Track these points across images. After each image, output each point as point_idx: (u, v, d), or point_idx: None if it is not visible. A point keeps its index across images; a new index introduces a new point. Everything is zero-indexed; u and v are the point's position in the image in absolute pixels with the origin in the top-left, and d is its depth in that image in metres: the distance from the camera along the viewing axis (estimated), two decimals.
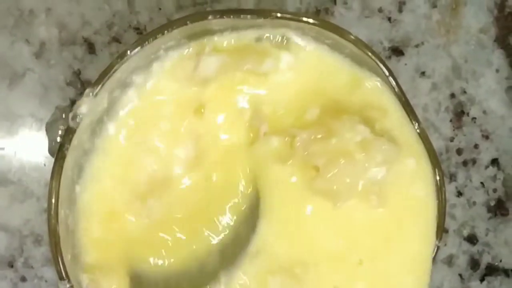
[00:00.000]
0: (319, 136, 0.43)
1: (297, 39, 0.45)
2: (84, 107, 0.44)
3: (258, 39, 0.45)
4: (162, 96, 0.44)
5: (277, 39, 0.45)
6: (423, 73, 0.56)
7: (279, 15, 0.45)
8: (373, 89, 0.45)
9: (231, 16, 0.45)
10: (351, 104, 0.45)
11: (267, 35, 0.45)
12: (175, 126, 0.44)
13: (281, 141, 0.43)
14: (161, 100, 0.44)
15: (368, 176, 0.43)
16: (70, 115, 0.44)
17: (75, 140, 0.44)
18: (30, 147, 0.52)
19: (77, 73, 0.52)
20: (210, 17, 0.44)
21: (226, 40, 0.45)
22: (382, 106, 0.46)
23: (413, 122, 0.46)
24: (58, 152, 0.43)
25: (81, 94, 0.50)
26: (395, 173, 0.44)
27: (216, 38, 0.45)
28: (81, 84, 0.52)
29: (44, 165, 0.52)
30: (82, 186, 0.44)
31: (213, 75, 0.44)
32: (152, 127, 0.44)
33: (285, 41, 0.45)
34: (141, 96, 0.44)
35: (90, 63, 0.52)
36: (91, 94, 0.43)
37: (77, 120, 0.44)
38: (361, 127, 0.43)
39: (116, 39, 0.53)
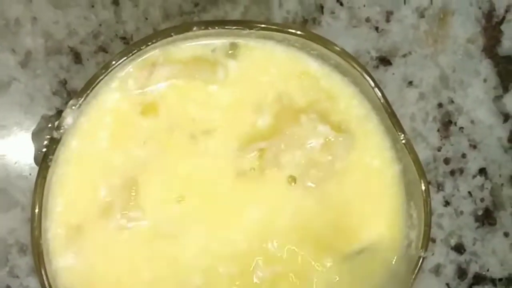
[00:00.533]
0: (283, 146, 0.44)
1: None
2: (68, 118, 0.44)
3: (213, 50, 0.46)
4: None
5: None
6: (410, 83, 0.56)
7: (263, 26, 0.45)
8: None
9: (216, 28, 0.45)
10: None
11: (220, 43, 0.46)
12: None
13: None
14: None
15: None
16: (55, 125, 0.44)
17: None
18: (15, 156, 0.52)
19: (63, 83, 0.52)
20: (194, 28, 0.44)
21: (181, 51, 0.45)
22: (331, 95, 0.47)
23: (399, 133, 0.47)
24: (42, 163, 0.43)
25: (67, 103, 0.50)
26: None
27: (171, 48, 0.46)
28: (67, 94, 0.52)
29: (30, 174, 0.52)
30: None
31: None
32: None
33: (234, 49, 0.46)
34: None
35: (76, 72, 0.52)
36: (74, 105, 0.43)
37: (61, 131, 0.43)
38: (322, 128, 0.45)
39: (103, 49, 0.53)
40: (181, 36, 0.43)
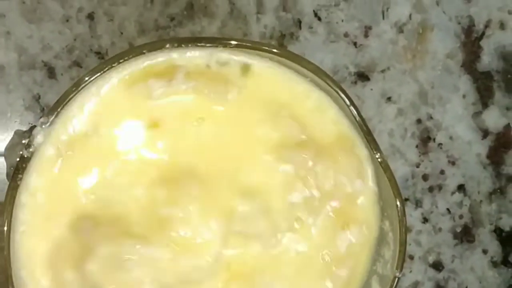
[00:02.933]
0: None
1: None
2: (39, 136, 0.43)
3: (224, 64, 0.45)
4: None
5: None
6: (389, 99, 0.56)
7: (237, 43, 0.45)
8: None
9: (189, 45, 0.44)
10: None
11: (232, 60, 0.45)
12: None
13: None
14: None
15: None
16: (25, 144, 0.43)
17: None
18: None
19: (37, 98, 0.52)
20: (167, 45, 0.44)
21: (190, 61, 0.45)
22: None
23: (374, 152, 0.46)
24: (11, 182, 0.42)
25: (41, 117, 0.49)
26: None
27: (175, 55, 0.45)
28: (40, 109, 0.52)
29: (2, 191, 0.51)
30: None
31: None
32: None
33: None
34: None
35: (50, 87, 0.52)
36: (45, 124, 0.43)
37: (31, 149, 0.43)
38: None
39: (77, 63, 0.52)
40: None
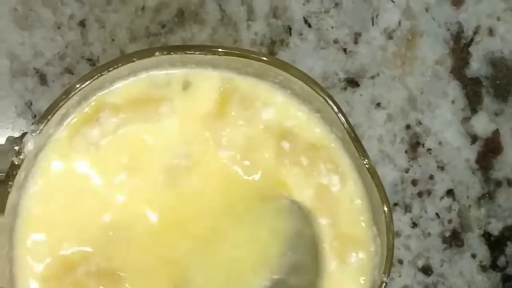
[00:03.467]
0: None
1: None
2: (29, 144, 0.43)
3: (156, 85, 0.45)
4: None
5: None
6: (378, 104, 0.56)
7: (225, 51, 0.45)
8: None
9: (178, 53, 0.45)
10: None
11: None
12: None
13: None
14: None
15: None
16: (15, 151, 0.43)
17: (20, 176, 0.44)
18: None
19: (29, 104, 0.52)
20: (157, 53, 0.44)
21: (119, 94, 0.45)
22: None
23: (362, 158, 0.46)
24: (1, 188, 0.43)
25: (32, 124, 0.50)
26: None
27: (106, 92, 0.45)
28: (32, 116, 0.52)
29: None
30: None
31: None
32: None
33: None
34: None
35: (41, 94, 0.52)
36: (35, 131, 0.43)
37: (22, 156, 0.43)
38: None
39: (69, 70, 0.53)
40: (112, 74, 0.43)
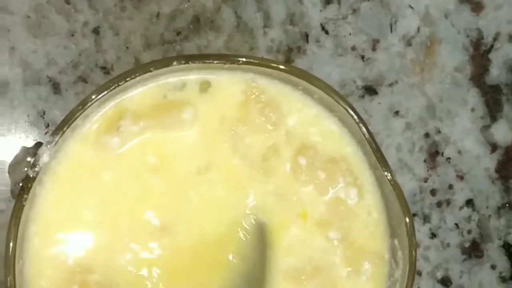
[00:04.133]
0: None
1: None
2: (44, 156, 0.42)
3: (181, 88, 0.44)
4: None
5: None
6: (396, 113, 0.55)
7: (245, 60, 0.44)
8: None
9: (196, 62, 0.44)
10: None
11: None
12: None
13: None
14: None
15: None
16: (31, 162, 0.42)
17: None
18: None
19: (42, 114, 0.51)
20: (174, 63, 0.43)
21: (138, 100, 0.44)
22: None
23: (384, 170, 0.45)
24: (16, 202, 0.42)
25: (46, 134, 0.49)
26: None
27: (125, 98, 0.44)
28: (45, 125, 0.51)
29: (6, 208, 0.50)
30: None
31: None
32: None
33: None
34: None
35: (55, 103, 0.51)
36: (50, 143, 0.42)
37: (37, 169, 0.42)
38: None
39: (83, 79, 0.52)
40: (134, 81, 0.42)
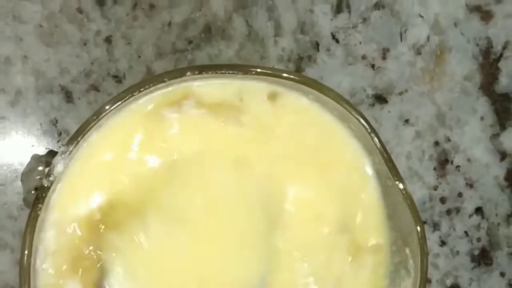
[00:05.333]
0: None
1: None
2: (59, 166, 0.43)
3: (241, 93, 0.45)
4: None
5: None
6: (406, 121, 0.56)
7: (259, 70, 0.44)
8: None
9: (210, 72, 0.44)
10: None
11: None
12: None
13: None
14: None
15: None
16: (45, 172, 0.43)
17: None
18: (5, 197, 0.51)
19: (54, 122, 0.51)
20: (188, 73, 0.43)
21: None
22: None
23: (395, 179, 0.46)
24: (31, 212, 0.42)
25: (58, 142, 0.49)
26: None
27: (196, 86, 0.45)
28: (58, 133, 0.51)
29: (19, 215, 0.51)
30: None
31: None
32: None
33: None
34: None
35: (67, 112, 0.51)
36: (64, 153, 0.42)
37: (51, 178, 0.43)
38: None
39: (95, 87, 0.52)
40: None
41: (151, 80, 0.43)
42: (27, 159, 0.51)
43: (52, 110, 0.51)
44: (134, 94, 0.43)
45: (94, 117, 0.42)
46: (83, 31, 0.52)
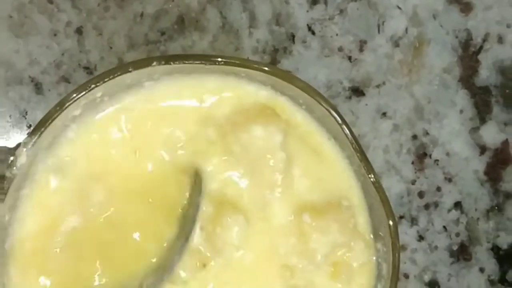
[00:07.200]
0: None
1: None
2: (22, 157, 0.42)
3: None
4: None
5: None
6: (384, 114, 0.55)
7: (226, 60, 0.44)
8: None
9: (176, 62, 0.43)
10: None
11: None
12: None
13: None
14: None
15: None
16: (7, 163, 0.42)
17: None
18: None
19: (24, 114, 0.51)
20: (154, 63, 0.43)
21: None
22: None
23: (367, 171, 0.45)
24: None
25: (28, 135, 0.48)
26: None
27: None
28: (27, 126, 0.51)
29: None
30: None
31: None
32: None
33: None
34: None
35: (37, 103, 0.51)
36: (27, 144, 0.42)
37: (14, 170, 0.42)
38: None
39: (65, 79, 0.51)
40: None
41: (117, 69, 0.43)
42: None
43: (21, 102, 0.51)
44: (98, 84, 0.42)
45: (58, 108, 0.42)
46: (54, 21, 0.51)
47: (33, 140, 0.42)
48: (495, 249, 0.56)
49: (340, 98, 0.54)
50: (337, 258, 0.45)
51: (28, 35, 0.51)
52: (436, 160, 0.55)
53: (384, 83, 0.55)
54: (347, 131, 0.45)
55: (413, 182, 0.55)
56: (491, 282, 0.56)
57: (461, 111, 0.56)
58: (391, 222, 0.45)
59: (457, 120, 0.56)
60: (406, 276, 0.55)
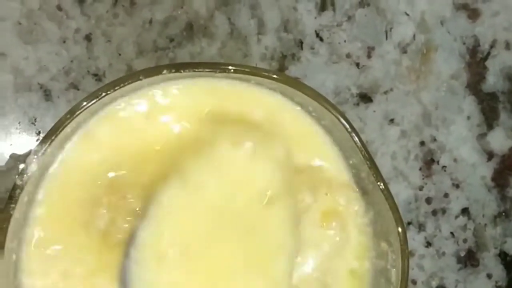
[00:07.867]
0: None
1: None
2: (32, 165, 0.42)
3: None
4: None
5: None
6: (392, 120, 0.55)
7: (236, 68, 0.44)
8: None
9: (187, 70, 0.43)
10: None
11: None
12: None
13: None
14: None
15: None
16: (19, 170, 0.42)
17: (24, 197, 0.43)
18: None
19: (33, 121, 0.51)
20: (164, 71, 0.43)
21: None
22: None
23: (375, 179, 0.45)
24: (3, 211, 0.41)
25: (37, 141, 0.49)
26: None
27: None
28: (36, 132, 0.51)
29: None
30: None
31: None
32: None
33: None
34: None
35: (46, 110, 0.51)
36: (38, 152, 0.42)
37: (25, 177, 0.42)
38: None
39: (74, 86, 0.51)
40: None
41: (127, 77, 0.43)
42: (5, 159, 0.50)
43: (30, 109, 0.51)
44: (108, 92, 0.42)
45: (68, 116, 0.42)
46: (63, 28, 0.51)
47: (44, 148, 0.42)
48: (503, 255, 0.56)
49: (348, 105, 0.54)
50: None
51: (37, 42, 0.51)
52: (444, 166, 0.55)
53: (391, 89, 0.55)
54: (356, 138, 0.45)
55: (421, 188, 0.55)
56: None
57: (468, 117, 0.56)
58: (400, 229, 0.45)
59: (465, 126, 0.56)
60: (414, 282, 0.55)
